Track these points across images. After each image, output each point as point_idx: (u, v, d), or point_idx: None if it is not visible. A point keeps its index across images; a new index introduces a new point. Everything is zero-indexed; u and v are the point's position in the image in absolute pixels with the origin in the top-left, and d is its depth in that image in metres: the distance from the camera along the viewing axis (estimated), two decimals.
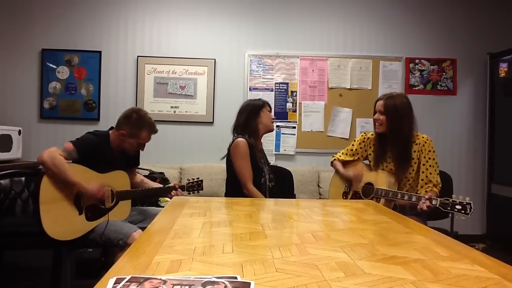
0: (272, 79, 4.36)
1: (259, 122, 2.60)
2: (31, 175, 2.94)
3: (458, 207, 2.06)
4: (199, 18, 4.34)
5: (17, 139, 3.82)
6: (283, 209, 1.95)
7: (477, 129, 4.45)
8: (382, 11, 4.43)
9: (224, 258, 1.09)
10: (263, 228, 1.48)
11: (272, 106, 4.26)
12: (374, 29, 4.43)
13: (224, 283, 0.86)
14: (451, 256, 1.16)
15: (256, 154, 2.57)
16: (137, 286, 0.83)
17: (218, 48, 4.35)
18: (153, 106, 4.28)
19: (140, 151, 2.52)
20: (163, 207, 2.88)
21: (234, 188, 2.55)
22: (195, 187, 2.58)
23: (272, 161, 4.22)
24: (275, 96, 4.35)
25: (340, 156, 2.66)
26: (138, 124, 2.36)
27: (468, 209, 2.04)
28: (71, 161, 2.20)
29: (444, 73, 4.44)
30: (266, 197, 2.55)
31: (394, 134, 2.37)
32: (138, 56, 4.29)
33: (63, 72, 4.24)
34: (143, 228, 1.71)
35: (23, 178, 2.93)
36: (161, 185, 2.76)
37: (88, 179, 2.21)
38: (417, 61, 4.44)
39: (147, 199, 3.21)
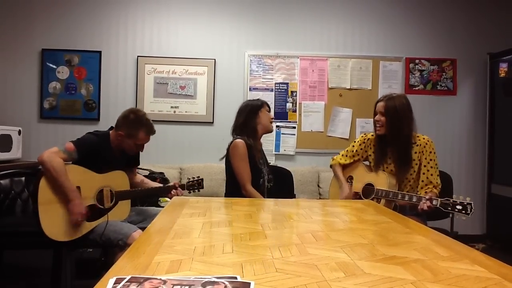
0: (272, 79, 4.36)
1: (258, 123, 2.60)
2: (31, 175, 2.94)
3: (458, 207, 2.07)
4: (199, 18, 4.34)
5: (17, 139, 3.82)
6: (283, 209, 1.95)
7: (477, 129, 4.45)
8: (382, 11, 4.43)
9: (224, 258, 1.09)
10: (263, 228, 1.48)
11: (272, 106, 4.28)
12: (374, 29, 4.43)
13: (224, 283, 0.86)
14: (451, 256, 1.16)
15: (255, 155, 2.57)
16: (137, 286, 0.83)
17: (218, 48, 4.35)
18: (153, 106, 4.28)
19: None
20: (163, 207, 2.88)
21: (233, 189, 2.55)
22: (195, 185, 2.57)
23: (272, 161, 4.22)
24: (275, 96, 4.35)
25: (340, 159, 2.65)
26: (135, 125, 2.36)
27: (469, 209, 2.04)
28: (71, 162, 2.21)
29: (444, 73, 4.44)
30: (264, 197, 2.55)
31: (393, 135, 2.37)
32: (138, 56, 4.29)
33: (63, 72, 4.24)
34: (143, 228, 1.71)
35: (23, 178, 2.93)
36: (161, 185, 2.76)
37: (86, 179, 2.22)
38: (417, 61, 4.44)
39: (147, 199, 3.21)
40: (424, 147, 2.38)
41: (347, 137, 4.34)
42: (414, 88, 4.41)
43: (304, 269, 1.01)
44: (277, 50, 4.37)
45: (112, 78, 4.29)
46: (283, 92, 4.37)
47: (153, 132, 2.44)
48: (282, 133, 4.36)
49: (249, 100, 2.80)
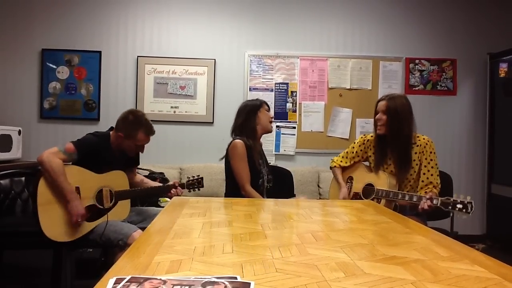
0: (272, 79, 4.36)
1: (257, 123, 2.60)
2: (31, 175, 2.94)
3: (459, 206, 2.06)
4: (199, 18, 4.34)
5: (17, 139, 3.82)
6: (283, 209, 1.95)
7: (477, 129, 4.45)
8: (382, 11, 4.43)
9: (224, 258, 1.09)
10: (263, 228, 1.48)
11: (272, 106, 4.28)
12: (374, 29, 4.43)
13: (224, 283, 0.86)
14: (451, 257, 1.16)
15: (254, 155, 2.57)
16: (137, 286, 0.83)
17: (218, 48, 4.35)
18: (153, 106, 4.28)
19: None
20: (163, 207, 2.88)
21: (233, 189, 2.56)
22: (195, 184, 2.55)
23: (272, 161, 4.22)
24: (275, 96, 4.35)
25: (340, 161, 2.64)
26: (134, 126, 2.35)
27: (469, 208, 2.04)
28: (70, 163, 2.21)
29: (444, 73, 4.44)
30: (264, 198, 2.55)
31: (393, 135, 2.37)
32: (138, 56, 4.29)
33: (63, 72, 4.24)
34: (143, 228, 1.71)
35: (23, 178, 2.93)
36: (161, 184, 2.76)
37: (86, 179, 2.22)
38: (417, 61, 4.44)
39: (147, 198, 3.21)
40: (424, 147, 2.38)
41: (347, 137, 4.34)
42: (414, 88, 4.41)
43: (304, 269, 1.01)
44: (277, 50, 4.37)
45: (112, 78, 4.29)
46: (283, 92, 4.37)
47: (152, 132, 2.44)
48: (282, 133, 4.36)
49: (248, 100, 2.80)
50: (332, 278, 0.95)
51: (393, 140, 2.39)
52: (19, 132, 3.86)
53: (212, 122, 4.32)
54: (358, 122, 4.36)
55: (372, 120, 2.49)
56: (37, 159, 2.12)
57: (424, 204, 2.16)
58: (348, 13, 4.42)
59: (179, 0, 4.33)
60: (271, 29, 4.38)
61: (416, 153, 2.39)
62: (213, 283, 0.86)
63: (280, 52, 4.36)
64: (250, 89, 4.35)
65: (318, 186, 4.15)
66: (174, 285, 0.85)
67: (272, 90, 4.36)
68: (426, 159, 2.38)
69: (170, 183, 2.57)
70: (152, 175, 3.58)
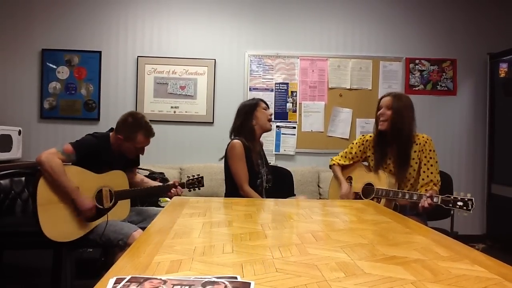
0: (272, 79, 4.36)
1: (254, 124, 2.60)
2: (31, 175, 2.94)
3: (459, 203, 2.06)
4: (199, 18, 4.34)
5: (17, 139, 3.82)
6: (283, 209, 1.95)
7: (477, 129, 4.45)
8: (382, 11, 4.43)
9: (224, 258, 1.09)
10: (263, 228, 1.48)
11: (272, 106, 4.29)
12: (374, 29, 4.43)
13: (224, 283, 0.86)
14: (451, 256, 1.16)
15: (252, 156, 2.57)
16: (137, 286, 0.83)
17: (218, 48, 4.35)
18: (153, 106, 4.28)
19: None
20: (163, 207, 2.88)
21: (232, 189, 2.56)
22: (195, 183, 2.54)
23: (272, 161, 4.22)
24: (275, 96, 4.35)
25: (339, 160, 2.65)
26: (134, 128, 2.35)
27: (470, 205, 2.03)
28: (70, 163, 2.20)
29: (444, 73, 4.44)
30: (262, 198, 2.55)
31: (394, 133, 2.37)
32: (138, 56, 4.29)
33: (63, 72, 4.24)
34: (143, 228, 1.71)
35: (23, 178, 2.93)
36: (160, 184, 2.75)
37: (85, 179, 2.21)
38: (417, 61, 4.44)
39: (147, 198, 3.21)
40: (424, 145, 2.38)
41: (347, 137, 4.34)
42: (414, 88, 4.41)
43: (304, 269, 1.01)
44: (277, 50, 4.37)
45: (112, 78, 4.29)
46: (283, 92, 4.37)
47: (152, 134, 2.43)
48: (282, 133, 4.36)
49: (245, 101, 2.79)
50: (332, 278, 0.95)
51: (393, 138, 2.39)
52: (19, 132, 3.86)
53: (212, 122, 4.32)
54: (358, 122, 4.36)
55: (372, 120, 2.49)
56: (36, 160, 2.12)
57: (425, 202, 2.15)
58: (348, 13, 4.42)
59: (179, 0, 4.33)
60: (271, 29, 4.38)
61: (415, 151, 2.39)
62: (213, 283, 0.86)
63: (280, 52, 4.36)
64: (250, 89, 4.35)
65: (318, 186, 4.15)
66: (174, 285, 0.85)
67: (272, 90, 4.36)
68: (425, 157, 2.37)
69: (170, 182, 2.57)
70: (152, 175, 3.58)
